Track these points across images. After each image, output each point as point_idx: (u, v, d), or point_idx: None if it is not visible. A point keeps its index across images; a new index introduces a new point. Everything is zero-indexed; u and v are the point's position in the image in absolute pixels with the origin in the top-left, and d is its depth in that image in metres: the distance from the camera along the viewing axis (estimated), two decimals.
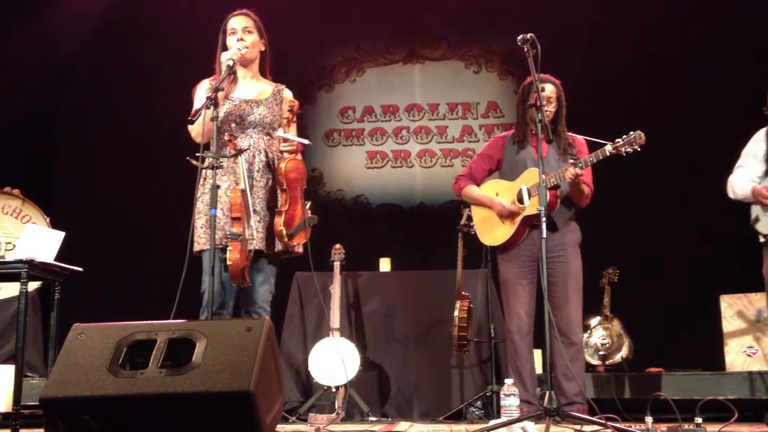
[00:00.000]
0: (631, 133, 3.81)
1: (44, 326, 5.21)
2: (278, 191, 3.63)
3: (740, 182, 4.24)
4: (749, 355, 5.06)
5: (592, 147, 4.10)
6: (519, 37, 3.51)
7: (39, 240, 4.49)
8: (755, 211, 4.19)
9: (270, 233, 3.64)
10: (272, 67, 3.93)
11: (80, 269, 4.78)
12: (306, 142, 3.73)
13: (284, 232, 3.57)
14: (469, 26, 7.04)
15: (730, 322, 5.22)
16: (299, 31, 6.76)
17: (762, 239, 4.18)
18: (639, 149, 3.78)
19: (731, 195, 4.30)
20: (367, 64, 7.14)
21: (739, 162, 4.33)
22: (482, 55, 7.06)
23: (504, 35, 6.58)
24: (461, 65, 7.09)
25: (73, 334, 2.70)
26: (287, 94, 3.87)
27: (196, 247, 3.64)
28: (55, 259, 4.58)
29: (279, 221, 3.58)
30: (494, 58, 7.03)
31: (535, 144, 4.22)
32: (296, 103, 3.73)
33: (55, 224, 5.25)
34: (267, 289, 3.72)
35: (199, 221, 3.65)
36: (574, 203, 4.23)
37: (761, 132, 4.29)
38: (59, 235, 4.66)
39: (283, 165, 3.59)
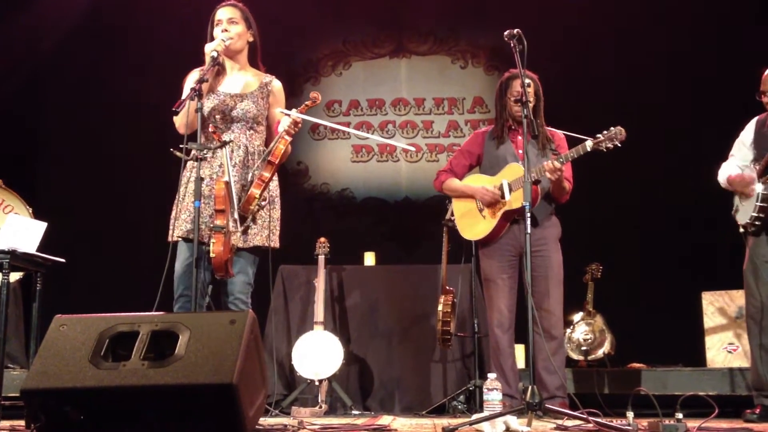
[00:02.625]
0: (612, 128, 3.83)
1: (26, 317, 5.18)
2: (266, 164, 3.61)
3: (724, 169, 4.25)
4: (730, 352, 5.10)
5: (572, 142, 4.11)
6: (506, 33, 3.51)
7: (21, 230, 4.47)
8: (736, 201, 4.20)
9: (243, 227, 3.64)
10: (262, 58, 3.91)
11: (62, 260, 4.76)
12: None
13: (257, 200, 3.58)
14: (456, 21, 7.04)
15: (711, 318, 5.26)
16: (286, 23, 6.74)
17: (741, 230, 4.20)
18: (619, 145, 3.80)
19: (720, 182, 4.32)
20: (353, 58, 7.13)
21: (732, 150, 4.33)
22: (469, 50, 7.07)
23: (490, 31, 6.59)
24: (448, 60, 7.09)
25: (55, 326, 2.68)
26: (276, 85, 3.86)
27: (169, 238, 3.65)
28: (37, 250, 4.56)
29: (257, 191, 3.58)
30: (481, 53, 7.04)
31: (514, 139, 4.25)
32: (319, 97, 3.75)
33: (37, 215, 5.22)
34: (243, 281, 3.69)
35: (174, 211, 3.66)
36: (555, 198, 4.25)
37: (753, 120, 4.28)
38: (41, 226, 4.63)
39: (282, 146, 3.60)
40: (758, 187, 4.00)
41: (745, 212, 4.10)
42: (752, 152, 4.19)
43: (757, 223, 4.02)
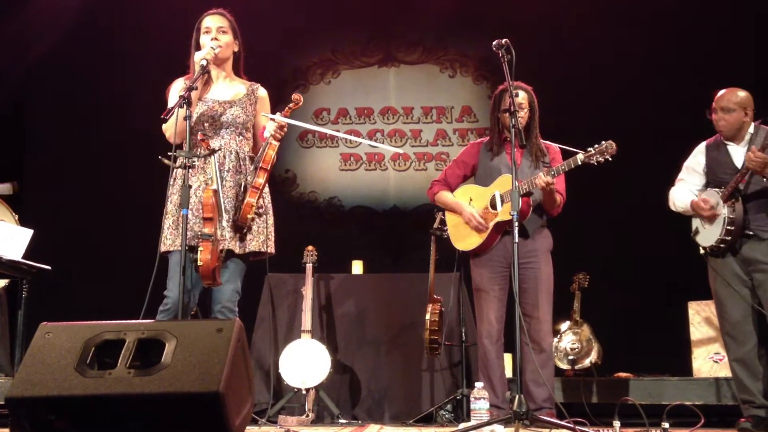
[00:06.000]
0: (603, 142, 3.85)
1: (11, 325, 5.16)
2: (259, 170, 3.59)
3: (680, 195, 4.34)
4: (716, 362, 5.12)
5: (566, 155, 4.13)
6: (494, 43, 3.53)
7: (7, 237, 4.45)
8: (695, 223, 4.29)
9: (239, 233, 3.62)
10: (246, 67, 3.91)
11: (48, 267, 4.74)
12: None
13: (254, 207, 3.55)
14: (444, 31, 7.07)
15: (697, 328, 5.28)
16: (275, 31, 6.75)
17: (702, 251, 4.27)
18: (610, 159, 3.83)
19: (672, 207, 4.40)
20: (342, 66, 7.14)
21: (680, 175, 4.42)
22: (457, 59, 7.09)
23: (479, 40, 6.62)
24: (436, 69, 7.11)
25: (41, 333, 2.66)
26: (261, 92, 3.85)
27: (162, 248, 3.59)
28: (23, 257, 4.54)
29: (253, 199, 3.56)
30: (469, 62, 7.06)
31: (509, 150, 4.25)
32: (301, 99, 3.73)
33: (23, 222, 5.19)
34: (232, 289, 3.65)
35: (167, 222, 3.61)
36: (546, 211, 4.26)
37: (701, 145, 4.37)
38: (27, 233, 4.62)
39: (272, 152, 3.58)
40: (725, 211, 4.08)
41: (709, 234, 4.18)
42: (704, 178, 4.30)
43: (722, 245, 4.12)
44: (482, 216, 4.24)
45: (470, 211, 4.27)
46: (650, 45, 6.52)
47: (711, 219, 4.14)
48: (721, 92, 4.26)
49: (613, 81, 6.48)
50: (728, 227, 4.06)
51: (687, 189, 4.34)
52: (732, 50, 6.21)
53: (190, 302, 3.57)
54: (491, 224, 4.20)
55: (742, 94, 4.22)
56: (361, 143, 6.97)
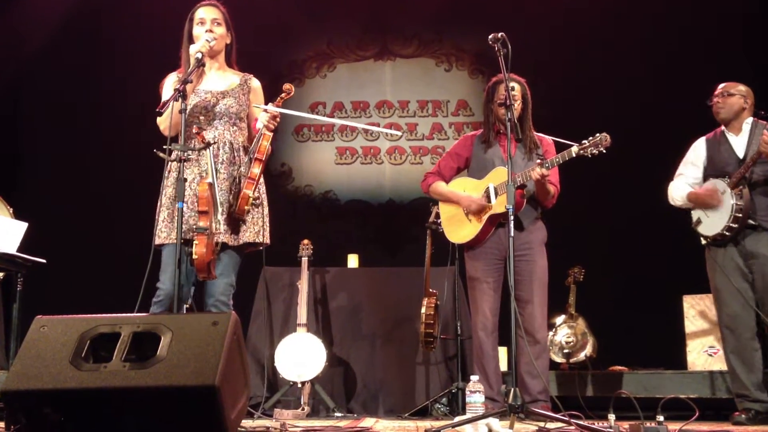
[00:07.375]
0: (597, 135, 3.85)
1: (6, 318, 5.15)
2: (254, 161, 3.59)
3: (679, 189, 4.35)
4: (710, 355, 5.14)
5: (559, 147, 4.13)
6: (490, 36, 3.52)
7: (1, 230, 4.44)
8: (696, 214, 4.29)
9: (233, 225, 3.61)
10: (241, 59, 3.90)
11: (43, 261, 4.73)
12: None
13: (251, 199, 3.55)
14: (440, 24, 7.06)
15: (692, 322, 5.29)
16: (270, 24, 6.74)
17: (704, 241, 4.28)
18: (604, 151, 3.83)
19: (671, 202, 4.41)
20: (338, 60, 7.13)
21: (679, 170, 4.44)
22: (453, 53, 7.08)
23: (475, 34, 6.62)
24: (432, 63, 7.11)
25: (36, 327, 2.66)
26: (255, 83, 3.85)
27: (157, 241, 3.58)
28: (18, 250, 4.53)
29: (249, 191, 3.56)
30: (465, 56, 7.06)
31: (502, 143, 4.25)
32: (292, 88, 3.73)
33: (18, 215, 5.18)
34: (226, 283, 3.65)
35: (161, 214, 3.60)
36: (540, 203, 4.26)
37: (700, 140, 4.39)
38: (22, 226, 4.61)
39: (265, 142, 3.59)
40: (732, 199, 4.07)
41: (714, 223, 4.16)
42: (703, 171, 4.31)
43: (728, 233, 4.10)
44: (477, 211, 4.24)
45: (467, 195, 4.27)
46: (648, 39, 6.51)
47: (716, 206, 4.13)
48: (724, 83, 4.30)
49: (610, 74, 6.47)
50: (736, 214, 4.05)
51: (685, 182, 4.34)
52: (732, 50, 6.20)
53: (184, 296, 3.56)
54: (485, 217, 4.20)
55: (744, 86, 4.27)
56: (357, 137, 6.97)
